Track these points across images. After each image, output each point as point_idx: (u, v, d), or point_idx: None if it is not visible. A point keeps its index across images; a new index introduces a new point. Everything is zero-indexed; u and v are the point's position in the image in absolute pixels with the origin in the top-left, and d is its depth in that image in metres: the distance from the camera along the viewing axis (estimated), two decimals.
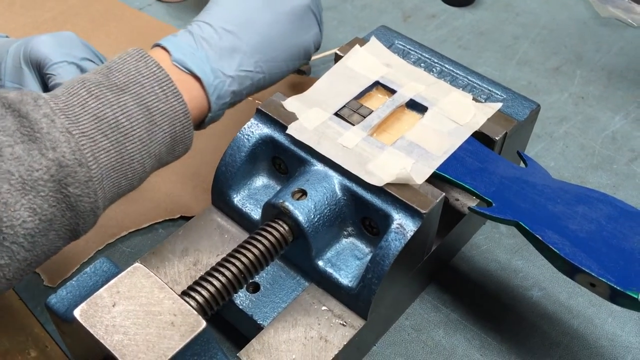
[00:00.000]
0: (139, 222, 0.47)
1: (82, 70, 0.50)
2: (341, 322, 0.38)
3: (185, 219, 0.48)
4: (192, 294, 0.34)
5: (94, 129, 0.34)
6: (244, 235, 0.42)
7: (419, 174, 0.38)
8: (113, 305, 0.31)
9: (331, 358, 0.36)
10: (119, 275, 0.32)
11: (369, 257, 0.39)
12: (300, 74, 0.59)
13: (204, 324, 0.31)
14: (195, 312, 0.31)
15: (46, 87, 0.49)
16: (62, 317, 0.34)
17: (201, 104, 0.39)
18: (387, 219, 0.37)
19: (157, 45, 0.40)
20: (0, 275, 0.33)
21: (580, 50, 0.63)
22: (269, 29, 0.42)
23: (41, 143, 0.33)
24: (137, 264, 0.33)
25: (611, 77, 0.61)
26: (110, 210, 0.40)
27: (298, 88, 0.56)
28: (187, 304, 0.31)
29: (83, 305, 0.31)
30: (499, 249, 0.47)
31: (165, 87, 0.37)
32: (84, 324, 0.31)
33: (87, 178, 0.34)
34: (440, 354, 0.42)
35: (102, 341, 0.30)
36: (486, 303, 0.44)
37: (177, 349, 0.30)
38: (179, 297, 0.32)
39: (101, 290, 0.32)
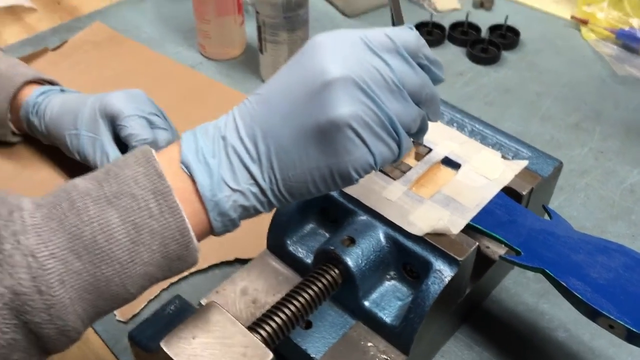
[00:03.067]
0: (199, 264, 0.52)
1: (150, 122, 0.56)
2: (385, 357, 0.42)
3: (240, 261, 0.53)
4: (258, 328, 0.39)
5: (67, 249, 0.32)
6: (296, 277, 0.47)
7: (455, 225, 0.43)
8: (193, 338, 0.36)
9: None
10: (197, 312, 0.37)
11: (409, 298, 0.43)
12: None
13: (271, 355, 0.36)
14: (263, 345, 0.36)
15: (118, 137, 0.56)
16: (144, 347, 0.39)
17: (203, 221, 0.35)
18: (427, 265, 0.42)
19: (182, 136, 0.36)
20: None
21: (599, 107, 0.68)
22: (288, 144, 0.34)
23: (2, 266, 0.31)
24: (211, 302, 0.38)
25: (629, 132, 0.65)
26: None
27: None
28: (255, 338, 0.36)
29: (168, 337, 0.36)
30: (527, 292, 0.52)
31: (161, 201, 0.33)
32: (169, 354, 0.36)
33: (48, 305, 0.31)
34: None
35: None
36: (515, 342, 0.48)
37: None
38: (248, 332, 0.37)
39: (182, 325, 0.37)
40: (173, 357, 0.35)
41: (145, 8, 0.81)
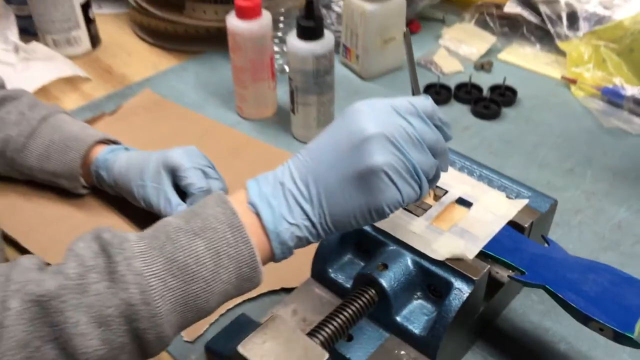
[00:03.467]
0: (250, 293, 0.61)
1: (205, 173, 0.66)
2: None
3: (285, 290, 0.62)
4: (314, 336, 0.47)
5: (165, 270, 0.40)
6: (337, 300, 0.55)
7: (470, 252, 0.52)
8: (263, 343, 0.45)
9: None
10: (265, 323, 0.46)
11: (434, 314, 0.52)
12: None
13: (327, 355, 0.44)
14: (320, 347, 0.45)
15: (178, 186, 0.65)
16: (220, 354, 0.48)
17: (266, 250, 0.44)
18: (448, 285, 0.51)
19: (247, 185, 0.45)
20: None
21: (589, 154, 0.78)
22: (338, 186, 0.43)
23: (117, 283, 0.39)
24: (275, 315, 0.47)
25: (616, 176, 0.75)
26: None
27: None
28: (313, 342, 0.45)
29: (243, 343, 0.45)
30: (532, 312, 0.60)
31: (236, 233, 0.42)
32: (245, 355, 0.44)
33: (152, 315, 0.40)
34: None
35: None
36: (523, 355, 0.57)
37: None
38: (307, 337, 0.45)
39: (253, 333, 0.46)
40: (250, 358, 0.44)
41: (187, 76, 0.92)
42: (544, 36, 0.93)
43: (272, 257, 0.45)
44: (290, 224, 0.44)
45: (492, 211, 0.56)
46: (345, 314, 0.50)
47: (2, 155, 0.70)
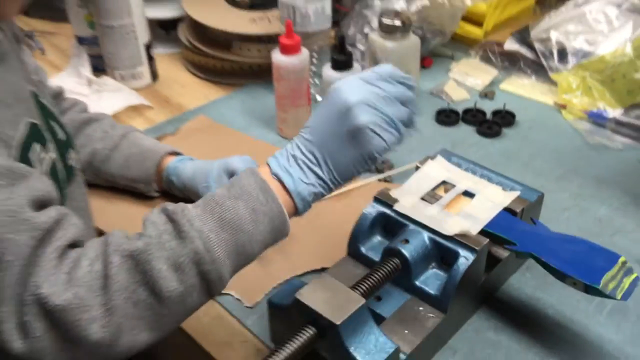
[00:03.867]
0: (297, 270, 0.76)
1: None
2: (431, 315, 0.65)
3: (325, 269, 0.76)
4: (356, 287, 0.61)
5: (218, 226, 0.53)
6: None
7: (473, 229, 0.66)
8: (315, 292, 0.59)
9: (426, 335, 0.63)
10: (315, 278, 0.60)
11: (445, 279, 0.66)
12: (386, 181, 0.89)
13: (364, 300, 0.58)
14: (359, 295, 0.59)
15: None
16: (280, 305, 0.62)
17: (290, 206, 0.57)
18: (456, 254, 0.65)
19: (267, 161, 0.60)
20: (167, 324, 0.52)
21: (577, 165, 0.93)
22: (336, 148, 0.57)
23: (185, 239, 0.52)
24: (324, 274, 0.61)
25: (599, 182, 0.89)
26: (276, 264, 0.69)
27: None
28: (354, 292, 0.59)
29: (299, 292, 0.59)
30: (526, 286, 0.74)
31: (267, 194, 0.55)
32: (302, 300, 0.58)
33: (212, 259, 0.52)
34: (491, 347, 0.67)
35: (312, 306, 0.57)
36: (518, 318, 0.70)
37: (354, 310, 0.57)
38: (349, 288, 0.60)
39: (307, 285, 0.60)
40: (304, 301, 0.58)
41: (234, 104, 1.09)
42: (538, 69, 1.08)
43: (296, 211, 0.58)
44: (306, 184, 0.58)
45: (491, 200, 0.70)
46: (377, 275, 0.64)
47: (89, 165, 0.86)
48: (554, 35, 1.05)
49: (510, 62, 1.12)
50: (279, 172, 0.58)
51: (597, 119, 0.99)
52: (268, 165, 0.59)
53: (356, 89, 0.58)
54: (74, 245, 0.52)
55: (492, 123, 1.00)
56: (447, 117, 1.02)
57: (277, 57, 0.93)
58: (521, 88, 1.09)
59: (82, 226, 0.54)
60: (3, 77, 0.58)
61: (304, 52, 0.93)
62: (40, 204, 0.52)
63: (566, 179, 0.90)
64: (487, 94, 1.08)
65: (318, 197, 0.59)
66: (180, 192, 0.85)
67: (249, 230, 0.54)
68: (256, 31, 1.07)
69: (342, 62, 0.87)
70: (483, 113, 1.03)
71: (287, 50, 0.92)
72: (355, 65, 0.89)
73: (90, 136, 0.86)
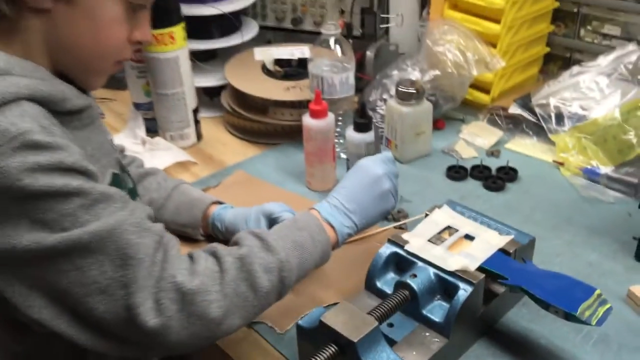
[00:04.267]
0: (322, 302, 0.88)
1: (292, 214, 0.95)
2: (436, 339, 0.76)
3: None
4: (371, 313, 0.73)
5: (292, 246, 0.74)
6: None
7: (472, 265, 0.78)
8: (336, 316, 0.71)
9: (431, 356, 0.74)
10: (336, 306, 0.73)
11: (448, 308, 0.77)
12: (401, 228, 1.01)
13: (377, 322, 0.70)
14: (374, 318, 0.71)
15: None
16: (308, 328, 0.74)
17: (334, 239, 0.80)
18: (456, 287, 0.76)
19: (313, 208, 0.83)
20: (251, 315, 0.71)
21: (571, 216, 1.04)
22: (366, 203, 0.83)
23: (272, 251, 0.72)
24: (345, 302, 0.73)
25: (590, 231, 1.00)
26: (304, 297, 0.82)
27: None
28: (369, 316, 0.71)
29: (323, 315, 0.71)
30: (522, 320, 0.84)
31: (321, 229, 0.78)
32: (325, 321, 0.70)
33: (289, 268, 0.72)
34: None
35: (333, 327, 0.69)
36: (514, 347, 0.81)
37: (368, 330, 0.69)
38: (365, 314, 0.72)
39: (330, 310, 0.72)
40: (328, 323, 0.70)
41: (269, 161, 1.23)
42: (539, 131, 1.21)
43: (336, 245, 0.81)
44: (345, 226, 0.82)
45: (488, 242, 0.82)
46: (389, 304, 0.76)
47: None
48: (553, 101, 1.18)
49: (514, 125, 1.25)
50: (328, 216, 0.82)
51: (591, 175, 1.11)
52: (316, 210, 0.82)
53: (380, 165, 0.86)
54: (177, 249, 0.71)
55: (497, 178, 1.13)
56: (456, 172, 1.15)
57: (307, 120, 1.08)
58: (524, 147, 1.21)
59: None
60: (94, 136, 0.74)
61: (330, 116, 1.08)
62: (151, 218, 0.72)
63: (561, 228, 1.02)
64: (494, 152, 1.21)
65: (350, 235, 0.83)
66: (223, 235, 0.98)
67: (309, 251, 0.76)
68: (289, 98, 1.23)
69: (363, 124, 1.02)
70: (489, 169, 1.16)
71: (315, 115, 1.07)
72: (375, 129, 1.04)
73: (147, 187, 1.01)
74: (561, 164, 1.15)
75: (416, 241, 0.83)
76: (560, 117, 1.18)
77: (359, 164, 0.87)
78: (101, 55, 0.72)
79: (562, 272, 0.92)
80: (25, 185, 0.60)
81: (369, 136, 1.02)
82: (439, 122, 1.30)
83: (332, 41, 1.13)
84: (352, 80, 1.16)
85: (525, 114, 1.23)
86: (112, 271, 0.63)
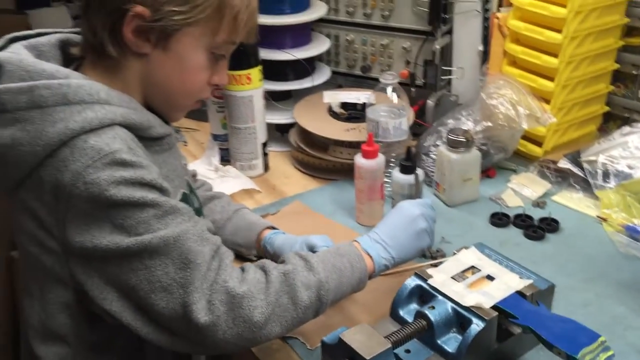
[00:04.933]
0: (351, 325, 0.96)
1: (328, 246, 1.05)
2: None
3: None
4: (388, 337, 0.81)
5: (331, 270, 0.83)
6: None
7: (487, 303, 0.84)
8: (355, 335, 0.80)
9: None
10: (355, 327, 0.81)
11: (460, 340, 0.84)
12: (435, 266, 1.08)
13: (390, 345, 0.78)
14: (388, 341, 0.79)
15: None
16: (329, 344, 0.83)
17: (371, 269, 0.89)
18: (470, 321, 0.83)
19: (355, 240, 0.92)
20: (291, 326, 0.80)
21: (606, 270, 1.07)
22: (403, 239, 0.92)
23: (313, 271, 0.81)
24: (365, 324, 0.82)
25: (621, 286, 1.03)
26: (335, 318, 0.91)
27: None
28: (385, 339, 0.79)
29: (343, 333, 0.80)
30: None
31: (359, 258, 0.87)
32: (343, 339, 0.79)
33: (327, 289, 0.81)
34: None
35: (350, 344, 0.78)
36: None
37: (381, 350, 0.77)
38: (381, 336, 0.80)
39: (349, 329, 0.81)
40: (346, 340, 0.79)
41: (325, 195, 1.34)
42: (586, 186, 1.25)
43: (372, 274, 0.89)
44: (382, 257, 0.90)
45: (507, 284, 0.88)
46: (406, 331, 0.84)
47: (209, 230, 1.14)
48: (601, 158, 1.22)
49: (563, 178, 1.29)
50: (367, 248, 0.91)
51: (633, 233, 1.14)
52: (358, 242, 0.92)
53: (418, 207, 0.96)
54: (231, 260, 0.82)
55: (538, 228, 1.18)
56: (499, 219, 1.21)
57: (359, 160, 1.18)
58: (570, 201, 1.25)
59: None
60: (170, 160, 0.88)
61: (380, 157, 1.18)
62: (210, 231, 0.82)
63: (593, 280, 1.05)
64: (539, 203, 1.26)
65: (387, 267, 0.92)
66: (271, 258, 1.09)
67: (347, 276, 0.85)
68: (348, 138, 1.34)
69: (407, 167, 1.11)
70: (531, 218, 1.20)
71: (366, 155, 1.17)
72: (419, 171, 1.12)
73: (212, 209, 1.14)
74: (604, 219, 1.19)
75: (440, 276, 0.90)
76: (607, 174, 1.22)
77: (399, 204, 0.98)
78: (185, 95, 0.86)
79: (586, 322, 0.95)
80: (110, 195, 0.72)
81: (412, 178, 1.11)
82: (491, 171, 1.36)
83: (389, 89, 1.23)
84: (405, 125, 1.25)
85: (574, 169, 1.27)
86: (174, 272, 0.74)
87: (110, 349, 0.88)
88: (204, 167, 1.42)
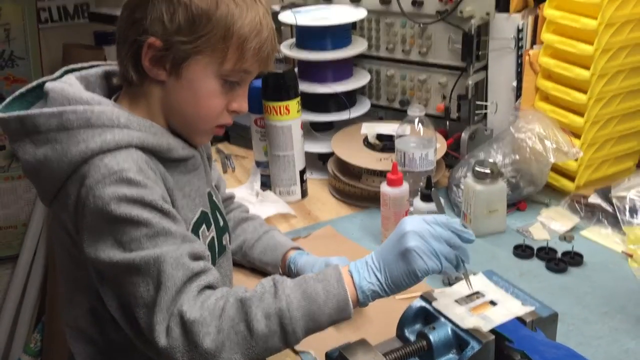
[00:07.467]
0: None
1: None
2: None
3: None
4: (387, 354, 0.86)
5: (300, 297, 0.79)
6: None
7: (485, 327, 0.87)
8: (355, 350, 0.85)
9: None
10: (356, 342, 0.86)
11: None
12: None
13: None
14: (385, 358, 0.83)
15: None
16: (332, 357, 0.88)
17: (353, 294, 0.81)
18: (467, 343, 0.86)
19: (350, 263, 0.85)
20: (254, 354, 0.78)
21: (624, 304, 1.07)
22: (391, 261, 0.82)
23: (277, 298, 0.79)
24: (365, 340, 0.86)
25: (637, 322, 1.03)
26: (345, 335, 0.95)
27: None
28: (383, 356, 0.84)
29: (344, 348, 0.85)
30: None
31: (339, 283, 0.80)
32: (343, 352, 0.84)
33: (291, 317, 0.78)
34: None
35: (349, 358, 0.83)
36: None
37: None
38: (380, 353, 0.84)
39: (350, 344, 0.85)
40: (345, 354, 0.84)
41: (355, 221, 1.40)
42: (615, 221, 1.25)
43: (358, 301, 0.82)
44: (367, 281, 0.83)
45: (508, 309, 0.91)
46: (406, 350, 0.88)
47: (240, 249, 1.21)
48: (630, 194, 1.22)
49: (592, 213, 1.29)
50: (352, 270, 0.84)
51: None
52: (348, 265, 0.86)
53: (414, 223, 0.84)
54: (210, 287, 0.84)
55: (560, 261, 1.18)
56: (523, 251, 1.23)
57: (384, 187, 1.23)
58: (598, 236, 1.25)
59: (219, 277, 0.87)
60: (195, 180, 0.96)
61: (405, 185, 1.23)
62: (196, 257, 0.83)
63: (610, 315, 1.05)
64: (567, 237, 1.27)
65: (376, 295, 0.83)
66: (294, 276, 1.16)
67: (319, 304, 0.81)
68: (380, 167, 1.40)
69: (427, 195, 1.15)
70: (555, 251, 1.21)
71: (391, 183, 1.22)
72: (433, 191, 1.17)
73: (245, 229, 1.23)
74: (630, 255, 1.18)
75: (444, 299, 0.94)
76: (634, 210, 1.21)
77: (400, 221, 0.87)
78: (201, 120, 0.94)
79: (595, 354, 0.97)
80: (111, 210, 0.78)
81: (432, 206, 1.15)
82: (522, 204, 1.38)
83: (416, 121, 1.29)
84: (431, 156, 1.30)
85: (604, 204, 1.28)
86: (153, 291, 0.78)
87: (136, 349, 0.96)
88: (247, 191, 1.51)
